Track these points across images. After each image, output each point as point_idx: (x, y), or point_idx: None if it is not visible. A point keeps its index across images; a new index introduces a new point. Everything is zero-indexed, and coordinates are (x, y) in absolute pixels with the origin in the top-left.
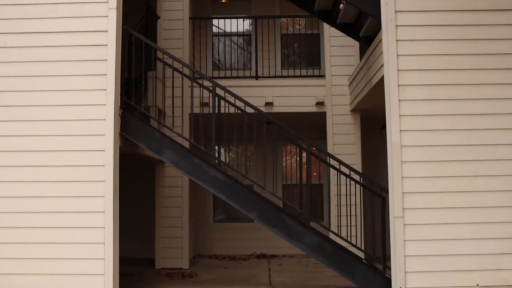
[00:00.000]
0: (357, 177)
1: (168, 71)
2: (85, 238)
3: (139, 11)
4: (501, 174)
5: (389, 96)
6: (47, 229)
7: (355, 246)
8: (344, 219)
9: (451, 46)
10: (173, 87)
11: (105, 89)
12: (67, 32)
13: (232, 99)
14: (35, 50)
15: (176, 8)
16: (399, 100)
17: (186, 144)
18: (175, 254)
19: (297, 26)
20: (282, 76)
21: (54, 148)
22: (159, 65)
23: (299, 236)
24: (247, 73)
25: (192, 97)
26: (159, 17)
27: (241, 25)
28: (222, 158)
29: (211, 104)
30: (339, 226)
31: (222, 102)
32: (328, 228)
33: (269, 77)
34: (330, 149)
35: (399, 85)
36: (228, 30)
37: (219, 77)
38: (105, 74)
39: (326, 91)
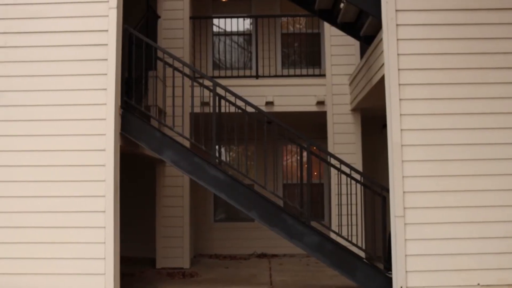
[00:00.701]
0: (357, 177)
1: (169, 70)
2: (86, 238)
3: (140, 10)
4: (502, 173)
5: (390, 95)
6: (47, 228)
7: (355, 245)
8: (344, 219)
9: (452, 45)
10: (173, 86)
11: (105, 89)
12: (67, 31)
13: (232, 99)
14: (36, 50)
15: (176, 8)
16: (400, 99)
17: (186, 143)
18: (176, 253)
19: (298, 26)
20: (282, 76)
21: (54, 148)
22: (160, 64)
23: (300, 236)
24: (247, 72)
25: (192, 96)
26: (159, 17)
27: (242, 24)
28: (223, 158)
29: (211, 104)
30: (339, 225)
31: (223, 102)
32: (329, 228)
33: (269, 76)
34: (330, 149)
35: (399, 84)
36: (228, 29)
37: (219, 77)
38: (106, 74)
39: (327, 91)
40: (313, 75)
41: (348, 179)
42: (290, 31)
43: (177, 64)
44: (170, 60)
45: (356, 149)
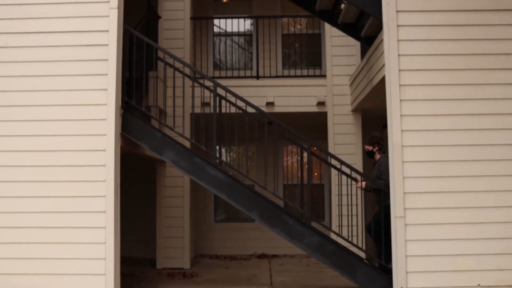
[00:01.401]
0: (358, 177)
1: (169, 71)
2: (86, 238)
3: (140, 11)
4: (502, 174)
5: (390, 96)
6: (48, 229)
7: (356, 246)
8: (345, 219)
9: (453, 46)
10: (174, 87)
11: (106, 89)
12: (68, 32)
13: (233, 99)
14: (36, 50)
15: (177, 8)
16: (400, 100)
17: (187, 144)
18: (176, 254)
19: (298, 26)
20: (283, 76)
21: (55, 148)
22: (160, 65)
23: (300, 236)
24: (248, 73)
25: (193, 97)
26: (160, 17)
27: (242, 25)
28: (223, 158)
29: (212, 104)
30: (340, 226)
31: (223, 102)
32: (329, 228)
33: (270, 77)
34: (331, 149)
35: (400, 85)
36: (229, 30)
37: (220, 77)
38: (106, 74)
39: (327, 91)
40: (314, 76)
41: (349, 179)
42: (290, 32)
43: (177, 65)
44: (170, 61)
45: (356, 149)
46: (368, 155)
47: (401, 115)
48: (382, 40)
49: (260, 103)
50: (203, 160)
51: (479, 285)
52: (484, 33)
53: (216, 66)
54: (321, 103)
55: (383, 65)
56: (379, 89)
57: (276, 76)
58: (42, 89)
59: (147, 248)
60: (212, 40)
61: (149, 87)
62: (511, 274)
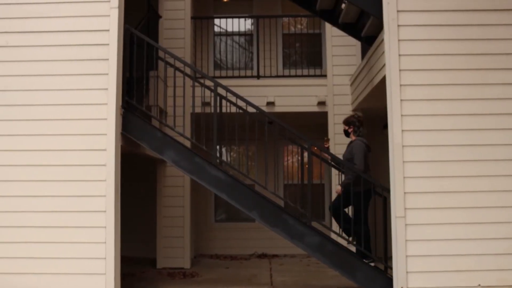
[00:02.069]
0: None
1: (170, 70)
2: (86, 238)
3: (141, 10)
4: (503, 174)
5: (391, 96)
6: (48, 228)
7: (356, 246)
8: None
9: (453, 46)
10: (174, 86)
11: (106, 89)
12: (69, 31)
13: (233, 99)
14: (37, 49)
15: (177, 8)
16: (401, 100)
17: (187, 143)
18: (177, 253)
19: (299, 26)
20: (283, 76)
21: (55, 148)
22: (161, 64)
23: (300, 236)
24: (248, 72)
25: (193, 96)
26: (160, 17)
27: (243, 24)
28: (224, 158)
29: (212, 104)
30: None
31: (224, 102)
32: (330, 228)
33: (270, 76)
34: (331, 149)
35: (401, 85)
36: (229, 29)
37: (220, 77)
38: (107, 74)
39: (328, 91)
40: (314, 76)
41: None
42: (291, 32)
43: (178, 64)
44: (171, 60)
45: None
46: (345, 134)
47: (401, 115)
48: (382, 40)
49: (261, 102)
50: (204, 160)
51: (479, 285)
52: (484, 33)
53: (217, 66)
54: (321, 103)
55: (384, 65)
56: (380, 89)
57: (277, 76)
58: (42, 89)
59: (147, 248)
60: (212, 39)
61: (150, 86)
62: (511, 274)
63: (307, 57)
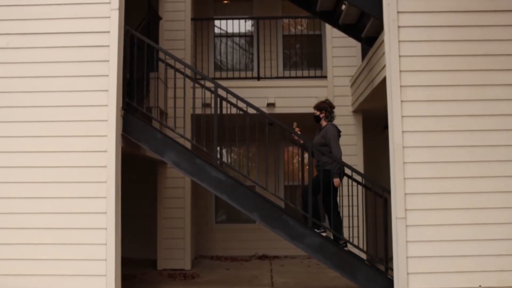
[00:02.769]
0: (359, 178)
1: (170, 72)
2: (87, 239)
3: (141, 12)
4: (503, 175)
5: (391, 97)
6: (48, 230)
7: (357, 247)
8: (346, 220)
9: (453, 47)
10: (175, 88)
11: (107, 90)
12: (69, 33)
13: (234, 100)
14: (37, 51)
15: (178, 9)
16: (401, 101)
17: (188, 145)
18: (177, 255)
19: (299, 27)
20: (284, 77)
21: (56, 149)
22: (161, 65)
23: (301, 237)
24: (249, 74)
25: (194, 98)
26: (161, 18)
27: (243, 26)
28: (224, 159)
29: (213, 105)
30: None
31: (224, 103)
32: (330, 229)
33: (271, 78)
34: None
35: (401, 86)
36: (230, 31)
37: (221, 78)
38: (107, 75)
39: (328, 92)
40: (315, 77)
41: (350, 180)
42: (291, 33)
43: (178, 66)
44: (171, 62)
45: (357, 150)
46: (315, 120)
47: (402, 116)
48: (383, 41)
49: (261, 104)
50: (204, 161)
51: (480, 286)
52: (484, 34)
53: (217, 67)
54: None
55: (384, 66)
56: (380, 90)
57: (277, 77)
58: (43, 90)
59: (148, 249)
60: (213, 41)
61: (150, 88)
62: None
63: (307, 58)
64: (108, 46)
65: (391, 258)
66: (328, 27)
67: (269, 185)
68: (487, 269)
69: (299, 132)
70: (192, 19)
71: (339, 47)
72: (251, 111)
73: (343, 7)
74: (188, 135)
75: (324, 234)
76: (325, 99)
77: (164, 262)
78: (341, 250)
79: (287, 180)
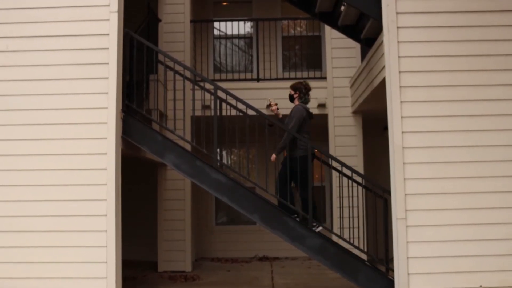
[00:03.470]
0: (359, 179)
1: (170, 74)
2: (88, 242)
3: (140, 14)
4: (503, 175)
5: (391, 98)
6: (49, 232)
7: (357, 248)
8: (346, 221)
9: (453, 47)
10: (174, 90)
11: (106, 93)
12: (68, 35)
13: (233, 102)
14: (37, 54)
15: (177, 11)
16: (401, 102)
17: (188, 147)
18: (178, 257)
19: (298, 28)
20: (283, 78)
21: (56, 152)
22: (161, 68)
23: (302, 239)
24: (248, 75)
25: (193, 99)
26: (160, 20)
27: (242, 27)
28: (224, 161)
29: (212, 107)
30: (341, 228)
31: (224, 105)
32: (331, 230)
33: (270, 79)
34: (332, 151)
35: (400, 87)
36: (229, 32)
37: (220, 80)
38: (107, 78)
39: (328, 93)
40: (314, 78)
41: (350, 181)
42: (290, 34)
43: (178, 68)
44: (171, 64)
45: (357, 151)
46: (289, 99)
47: (401, 117)
48: (382, 42)
49: (261, 105)
50: (204, 163)
51: (481, 286)
52: (484, 34)
53: (217, 69)
54: (321, 105)
55: (383, 66)
56: (380, 91)
57: (277, 79)
58: (42, 93)
59: (148, 251)
60: (212, 42)
61: (150, 90)
62: None
63: (306, 59)
64: (108, 48)
65: (392, 259)
66: (328, 28)
67: (269, 186)
68: (487, 269)
69: (276, 108)
70: (191, 21)
71: (338, 48)
72: (251, 112)
73: (342, 8)
74: (188, 137)
75: (297, 219)
76: (302, 81)
77: (165, 264)
78: (342, 251)
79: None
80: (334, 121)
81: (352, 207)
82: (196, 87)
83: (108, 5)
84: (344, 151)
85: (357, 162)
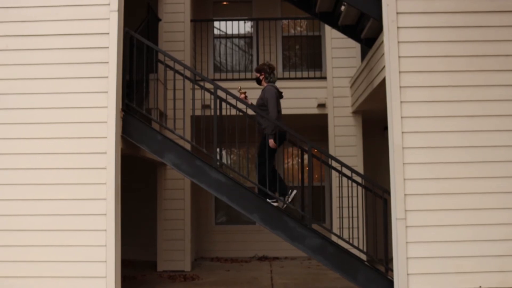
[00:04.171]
0: (359, 179)
1: (170, 73)
2: (87, 241)
3: (141, 13)
4: (503, 176)
5: (391, 98)
6: (48, 231)
7: (357, 248)
8: (346, 221)
9: (453, 47)
10: (174, 89)
11: (106, 92)
12: (68, 34)
13: (233, 101)
14: (37, 52)
15: (177, 11)
16: (401, 102)
17: (187, 146)
18: (177, 256)
19: (298, 28)
20: (283, 78)
21: (55, 151)
22: (161, 67)
23: (301, 238)
24: (248, 75)
25: (193, 99)
26: (160, 19)
27: (243, 27)
28: (224, 160)
29: (212, 106)
30: (341, 228)
31: (224, 104)
32: (330, 230)
33: None
34: (331, 151)
35: (400, 87)
36: (229, 32)
37: (220, 79)
38: (107, 77)
39: (328, 93)
40: (314, 78)
41: (349, 181)
42: (291, 34)
43: (178, 67)
44: (171, 63)
45: (357, 151)
46: (256, 82)
47: (401, 117)
48: (382, 42)
49: None
50: (204, 163)
51: (480, 287)
52: (484, 34)
53: (217, 68)
54: (321, 105)
55: (384, 66)
56: (380, 91)
57: (277, 78)
58: (42, 92)
59: (148, 251)
60: (212, 42)
61: (150, 89)
62: None
63: (307, 59)
64: (108, 47)
65: (391, 259)
66: (328, 28)
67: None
68: (487, 270)
69: (245, 96)
70: (191, 21)
71: (338, 48)
72: (250, 112)
73: (342, 8)
74: (188, 136)
75: (275, 204)
76: (265, 61)
77: (164, 264)
78: (342, 251)
79: (287, 181)
80: (334, 121)
81: (352, 207)
82: (196, 86)
83: (108, 4)
84: (344, 151)
85: (356, 162)
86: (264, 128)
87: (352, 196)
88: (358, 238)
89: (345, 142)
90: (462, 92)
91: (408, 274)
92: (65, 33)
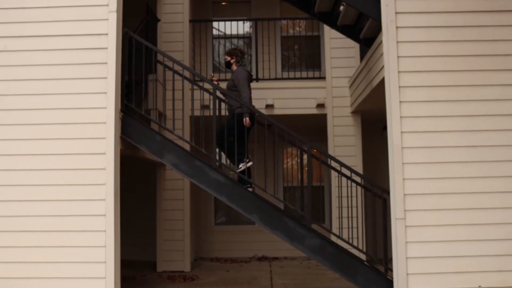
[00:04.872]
0: (358, 179)
1: (169, 73)
2: (86, 242)
3: (139, 14)
4: (502, 175)
5: (390, 98)
6: (47, 232)
7: (356, 248)
8: (345, 221)
9: (452, 47)
10: (173, 89)
11: (105, 92)
12: (67, 35)
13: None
14: (35, 53)
15: (176, 11)
16: (400, 102)
17: (187, 146)
18: (177, 257)
19: (298, 28)
20: (282, 78)
21: (54, 152)
22: (160, 67)
23: (301, 239)
24: None
25: (192, 99)
26: (159, 20)
27: (242, 27)
28: (223, 161)
29: (211, 107)
30: (340, 228)
31: (223, 105)
32: (330, 230)
33: (269, 79)
34: (331, 151)
35: (399, 87)
36: (228, 32)
37: (219, 80)
38: (106, 77)
39: (327, 93)
40: (313, 78)
41: (349, 181)
42: (290, 34)
43: (177, 67)
44: (170, 64)
45: (356, 151)
46: (226, 66)
47: (400, 117)
48: (381, 42)
49: (260, 105)
50: (203, 163)
51: (480, 286)
52: (482, 34)
53: (216, 69)
54: (320, 105)
55: (383, 66)
56: (379, 91)
57: (276, 79)
58: (41, 93)
59: (147, 251)
60: (211, 42)
61: (149, 90)
62: None
63: (306, 59)
64: (107, 48)
65: (391, 259)
66: (327, 28)
67: (268, 186)
68: (487, 269)
69: (215, 82)
70: (190, 21)
71: (337, 48)
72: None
73: (341, 8)
74: (187, 137)
75: (250, 189)
76: (236, 46)
77: (164, 264)
78: (341, 251)
79: (286, 181)
80: (333, 121)
81: (351, 207)
82: (195, 87)
83: (107, 5)
84: (343, 151)
85: (356, 162)
86: (234, 109)
87: (351, 196)
88: (357, 238)
89: (344, 142)
90: (461, 92)
91: (407, 274)
92: (64, 34)
